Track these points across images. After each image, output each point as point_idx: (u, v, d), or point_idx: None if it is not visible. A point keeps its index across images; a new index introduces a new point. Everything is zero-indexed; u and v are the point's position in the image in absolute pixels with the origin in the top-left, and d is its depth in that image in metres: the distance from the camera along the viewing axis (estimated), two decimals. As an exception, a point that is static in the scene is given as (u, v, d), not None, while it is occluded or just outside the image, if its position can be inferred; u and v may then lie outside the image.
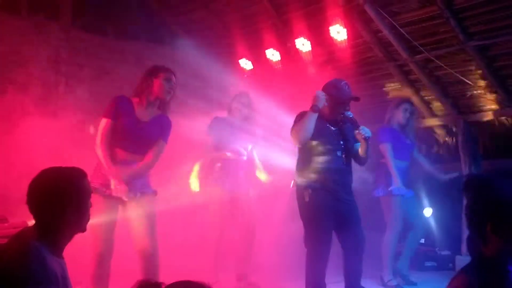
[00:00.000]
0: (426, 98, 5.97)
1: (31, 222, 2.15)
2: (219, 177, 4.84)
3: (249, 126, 5.03)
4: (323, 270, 3.81)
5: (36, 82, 5.50)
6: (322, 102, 3.79)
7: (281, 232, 5.65)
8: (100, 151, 3.54)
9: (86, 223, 2.23)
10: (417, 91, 5.92)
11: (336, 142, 3.86)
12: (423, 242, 5.66)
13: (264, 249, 5.33)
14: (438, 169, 5.37)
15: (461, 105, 5.76)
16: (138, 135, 3.64)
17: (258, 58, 6.36)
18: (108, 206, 3.53)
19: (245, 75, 6.43)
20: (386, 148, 4.97)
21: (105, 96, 5.87)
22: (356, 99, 3.87)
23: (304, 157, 3.90)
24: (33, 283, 1.89)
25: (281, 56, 6.12)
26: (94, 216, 3.36)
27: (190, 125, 5.00)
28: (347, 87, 3.89)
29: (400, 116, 5.11)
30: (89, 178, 2.27)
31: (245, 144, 4.99)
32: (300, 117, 3.88)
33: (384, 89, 6.23)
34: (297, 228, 5.69)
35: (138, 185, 3.65)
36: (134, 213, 3.61)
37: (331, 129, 3.89)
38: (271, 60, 6.18)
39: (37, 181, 2.13)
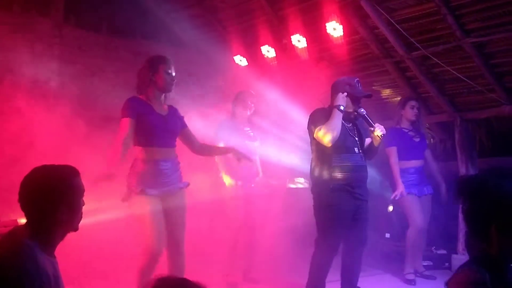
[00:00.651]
0: (423, 95, 5.95)
1: (22, 220, 2.11)
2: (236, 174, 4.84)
3: (253, 126, 5.10)
4: (328, 269, 3.81)
5: (28, 79, 5.42)
6: (345, 102, 3.81)
7: (277, 229, 5.64)
8: (117, 149, 3.49)
9: (78, 222, 2.19)
10: (413, 88, 5.90)
11: (353, 139, 3.88)
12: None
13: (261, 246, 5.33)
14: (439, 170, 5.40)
15: (458, 103, 5.74)
16: (167, 129, 3.67)
17: (253, 55, 6.31)
18: (149, 201, 3.54)
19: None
20: (391, 152, 5.02)
21: (98, 94, 5.85)
22: (369, 96, 3.94)
23: (322, 156, 3.85)
24: (26, 282, 1.86)
25: (276, 52, 6.07)
26: (142, 214, 3.47)
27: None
28: (359, 84, 3.92)
29: (408, 113, 5.21)
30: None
31: (252, 146, 4.97)
32: (318, 117, 3.85)
33: (380, 86, 6.21)
34: (288, 225, 5.73)
35: (175, 178, 3.70)
36: (171, 206, 3.65)
37: (347, 126, 3.89)
38: (267, 57, 6.13)
39: (28, 178, 2.09)
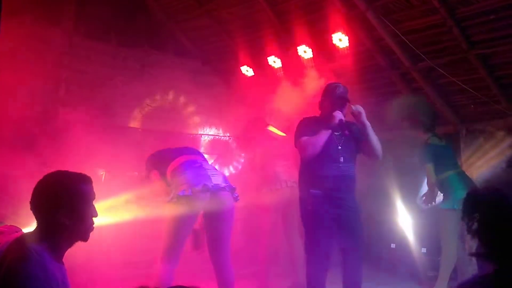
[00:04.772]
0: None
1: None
2: None
3: None
4: (323, 277, 3.78)
5: (38, 88, 5.49)
6: (337, 118, 3.75)
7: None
8: None
9: (86, 231, 2.15)
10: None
11: (337, 149, 3.84)
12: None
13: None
14: None
15: (463, 114, 5.75)
16: None
17: (260, 65, 6.36)
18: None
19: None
20: (428, 170, 4.93)
21: (107, 103, 5.92)
22: (343, 99, 3.84)
23: (308, 165, 3.87)
24: (34, 287, 1.87)
25: (282, 63, 6.11)
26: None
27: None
28: (339, 88, 3.88)
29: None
30: None
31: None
32: (303, 127, 3.85)
33: (386, 97, 6.21)
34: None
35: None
36: None
37: (334, 135, 3.85)
38: (273, 67, 6.17)
39: (38, 184, 2.12)
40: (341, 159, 3.82)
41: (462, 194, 4.76)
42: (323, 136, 3.73)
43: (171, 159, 3.93)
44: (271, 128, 5.24)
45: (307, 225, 3.84)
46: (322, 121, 3.84)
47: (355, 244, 3.82)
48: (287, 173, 4.98)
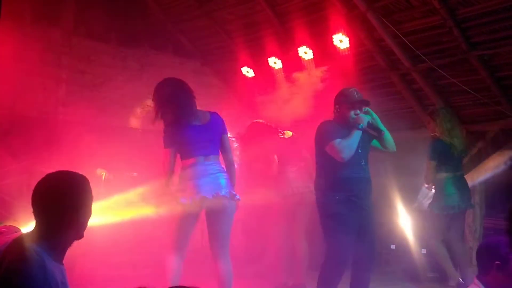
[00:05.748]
0: (428, 107, 5.95)
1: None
2: None
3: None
4: (338, 283, 3.78)
5: (37, 88, 5.48)
6: (366, 121, 3.77)
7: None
8: None
9: (84, 230, 2.16)
10: (419, 101, 5.90)
11: (359, 152, 3.83)
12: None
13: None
14: None
15: (464, 115, 5.74)
16: None
17: (260, 66, 6.35)
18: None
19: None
20: (428, 166, 4.93)
21: (107, 103, 5.92)
22: (365, 102, 3.86)
23: (328, 168, 3.85)
24: (34, 287, 1.86)
25: (283, 64, 6.11)
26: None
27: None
28: (355, 92, 3.88)
29: None
30: None
31: None
32: (330, 131, 3.81)
33: (386, 98, 6.21)
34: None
35: None
36: None
37: None
38: (273, 68, 6.17)
39: (41, 184, 2.11)
40: (362, 162, 3.85)
41: (452, 200, 4.83)
42: (357, 137, 3.73)
43: (187, 156, 3.85)
44: (286, 132, 5.23)
45: (331, 230, 3.80)
46: (344, 125, 3.82)
47: (370, 247, 3.83)
48: (300, 179, 4.98)
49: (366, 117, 3.78)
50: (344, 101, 3.89)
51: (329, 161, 3.82)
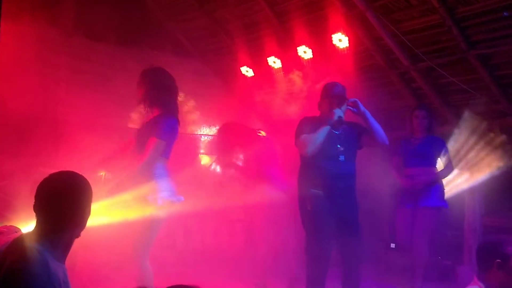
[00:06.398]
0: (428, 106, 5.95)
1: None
2: None
3: None
4: (324, 279, 3.79)
5: (37, 88, 5.48)
6: (337, 116, 3.76)
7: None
8: None
9: (82, 229, 2.18)
10: (418, 100, 5.91)
11: (338, 147, 3.84)
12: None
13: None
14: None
15: (463, 114, 5.74)
16: None
17: (260, 66, 6.36)
18: None
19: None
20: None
21: (106, 103, 5.91)
22: (341, 97, 3.85)
23: (306, 164, 3.87)
24: (36, 287, 1.87)
25: (282, 63, 6.12)
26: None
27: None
28: (337, 87, 3.90)
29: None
30: None
31: None
32: (303, 126, 3.85)
33: (385, 96, 6.22)
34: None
35: None
36: None
37: (334, 133, 3.86)
38: (273, 68, 6.17)
39: (44, 183, 2.13)
40: (341, 158, 3.82)
41: None
42: (322, 133, 3.73)
43: (169, 155, 3.83)
44: (261, 132, 5.17)
45: (308, 226, 3.83)
46: (322, 120, 3.84)
47: (354, 244, 3.83)
48: (282, 178, 4.95)
49: (337, 112, 3.75)
50: (324, 96, 3.93)
51: (304, 156, 3.86)
